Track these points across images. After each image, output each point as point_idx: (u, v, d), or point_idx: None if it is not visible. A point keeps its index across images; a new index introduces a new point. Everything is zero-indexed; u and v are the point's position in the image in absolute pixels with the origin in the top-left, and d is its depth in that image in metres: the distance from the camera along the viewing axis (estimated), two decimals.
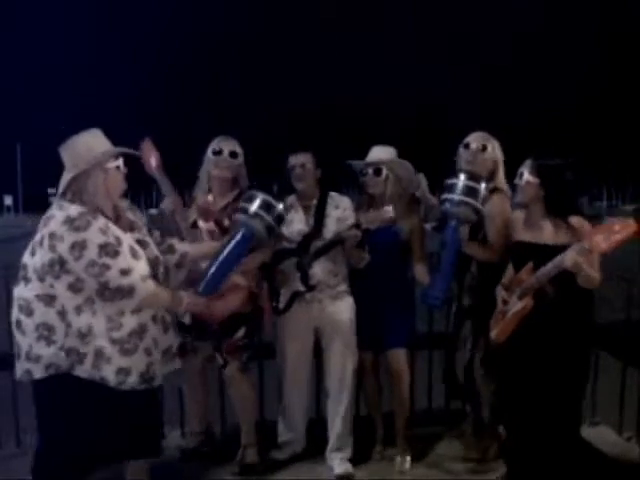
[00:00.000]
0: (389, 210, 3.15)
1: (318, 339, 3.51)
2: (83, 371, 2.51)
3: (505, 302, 2.96)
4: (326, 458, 3.52)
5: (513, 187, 3.21)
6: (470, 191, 3.09)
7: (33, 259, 2.51)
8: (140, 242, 2.66)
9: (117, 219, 2.64)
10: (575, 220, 2.81)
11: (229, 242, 2.92)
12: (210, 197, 3.40)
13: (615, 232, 2.49)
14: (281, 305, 3.35)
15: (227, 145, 3.38)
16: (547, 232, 2.89)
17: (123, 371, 2.54)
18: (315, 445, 3.59)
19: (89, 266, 2.44)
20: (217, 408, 3.92)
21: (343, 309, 3.43)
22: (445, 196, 3.15)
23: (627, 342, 3.93)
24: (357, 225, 3.24)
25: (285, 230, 3.36)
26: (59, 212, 2.51)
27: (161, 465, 3.36)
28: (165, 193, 3.25)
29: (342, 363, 3.44)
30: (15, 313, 2.56)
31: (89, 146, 2.60)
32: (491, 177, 3.36)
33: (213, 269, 2.87)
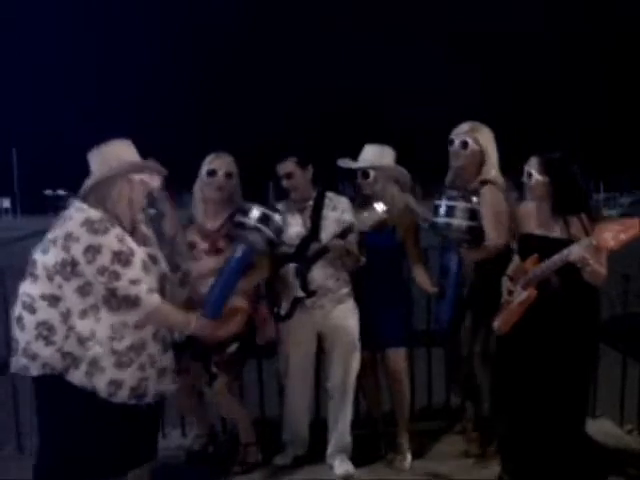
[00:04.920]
0: (379, 207, 3.13)
1: (320, 341, 3.48)
2: (76, 377, 2.50)
3: (510, 292, 2.94)
4: (327, 458, 3.50)
5: (516, 183, 3.20)
6: (451, 211, 3.11)
7: (44, 257, 2.50)
8: (151, 257, 2.66)
9: (133, 231, 2.63)
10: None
11: (230, 260, 2.89)
12: (207, 221, 3.33)
13: (623, 231, 2.50)
14: (283, 312, 3.32)
15: (221, 166, 3.30)
16: (558, 226, 2.86)
17: (115, 383, 2.52)
18: (315, 445, 3.57)
19: (100, 271, 2.43)
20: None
21: (346, 314, 3.39)
22: (432, 219, 3.21)
23: (627, 335, 3.94)
24: (351, 227, 3.20)
25: (283, 234, 3.29)
26: (78, 214, 2.50)
27: (164, 466, 3.37)
28: (166, 215, 3.18)
29: (345, 367, 3.41)
30: (18, 308, 2.55)
31: (118, 155, 2.60)
32: (480, 169, 3.34)
33: (217, 290, 2.83)
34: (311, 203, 3.38)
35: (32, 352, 2.50)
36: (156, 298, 2.57)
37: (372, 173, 3.40)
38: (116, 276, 2.45)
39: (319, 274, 3.30)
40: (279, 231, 3.00)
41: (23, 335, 2.52)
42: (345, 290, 3.40)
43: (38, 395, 2.61)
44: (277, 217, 2.97)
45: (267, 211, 2.94)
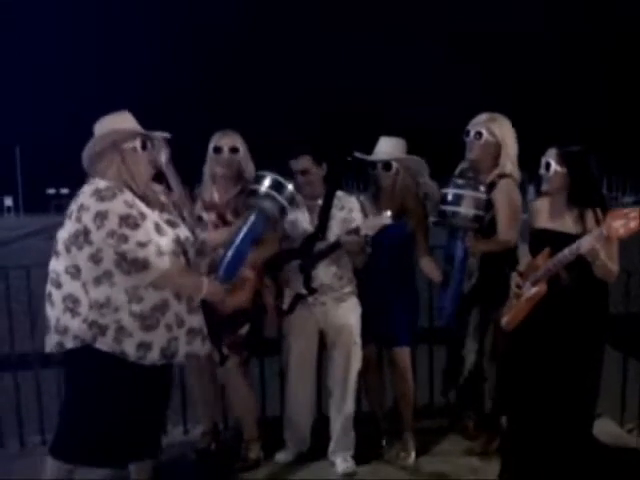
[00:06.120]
0: (387, 216, 3.12)
1: (322, 338, 3.48)
2: (104, 344, 2.52)
3: (519, 288, 2.92)
4: (328, 455, 3.50)
5: (531, 176, 3.19)
6: (459, 199, 3.08)
7: (62, 232, 2.56)
8: (169, 222, 2.67)
9: (148, 199, 2.65)
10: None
11: (242, 226, 2.90)
12: (215, 194, 3.35)
13: (632, 219, 2.49)
14: (284, 307, 3.34)
15: (227, 141, 3.31)
16: (570, 220, 2.84)
17: (144, 346, 2.55)
18: (317, 443, 3.57)
19: (108, 236, 2.46)
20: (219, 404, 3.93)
21: (347, 311, 3.39)
22: (440, 207, 3.18)
23: (627, 334, 3.94)
24: (356, 230, 3.17)
25: (291, 230, 3.33)
26: (88, 186, 2.56)
27: (168, 462, 3.38)
28: (173, 189, 3.16)
29: (345, 365, 3.41)
30: (48, 286, 2.60)
31: (108, 126, 2.63)
32: (495, 162, 3.30)
33: (229, 255, 2.83)
34: (320, 202, 3.39)
35: (62, 326, 2.54)
36: (165, 261, 2.56)
37: (394, 165, 3.39)
38: (125, 239, 2.47)
39: (323, 272, 3.31)
40: (292, 199, 3.00)
41: (53, 311, 2.57)
42: (348, 289, 3.40)
43: (70, 369, 2.64)
44: (290, 185, 2.97)
45: (280, 179, 2.94)
